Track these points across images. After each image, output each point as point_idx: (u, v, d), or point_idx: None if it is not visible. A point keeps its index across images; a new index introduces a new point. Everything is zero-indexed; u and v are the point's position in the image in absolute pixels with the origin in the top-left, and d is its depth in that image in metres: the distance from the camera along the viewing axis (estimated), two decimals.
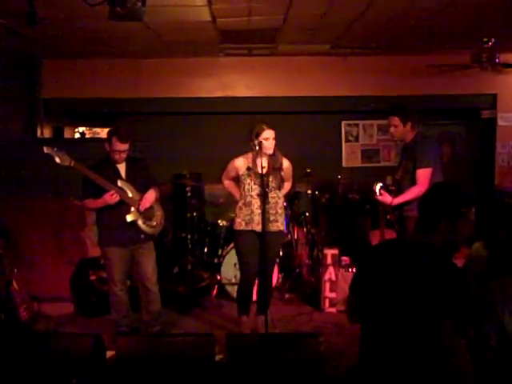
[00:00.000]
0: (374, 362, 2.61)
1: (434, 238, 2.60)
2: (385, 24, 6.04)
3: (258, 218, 4.83)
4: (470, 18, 5.79)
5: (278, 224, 4.95)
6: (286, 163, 5.01)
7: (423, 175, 4.81)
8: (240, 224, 4.92)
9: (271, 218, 4.84)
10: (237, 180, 5.08)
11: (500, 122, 8.23)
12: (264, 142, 4.77)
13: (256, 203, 4.84)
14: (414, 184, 4.86)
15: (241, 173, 4.94)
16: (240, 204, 4.96)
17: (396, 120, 5.01)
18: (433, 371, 2.47)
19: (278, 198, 4.95)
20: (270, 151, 4.81)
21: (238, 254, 5.08)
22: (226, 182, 5.18)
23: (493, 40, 6.37)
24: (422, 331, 2.48)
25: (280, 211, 4.97)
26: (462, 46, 7.05)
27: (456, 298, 2.45)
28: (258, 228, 4.82)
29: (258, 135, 4.79)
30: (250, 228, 4.87)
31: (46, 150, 4.57)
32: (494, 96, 8.19)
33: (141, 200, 4.88)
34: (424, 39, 6.85)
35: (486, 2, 5.19)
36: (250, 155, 4.91)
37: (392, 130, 5.10)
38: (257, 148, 4.77)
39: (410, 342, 2.51)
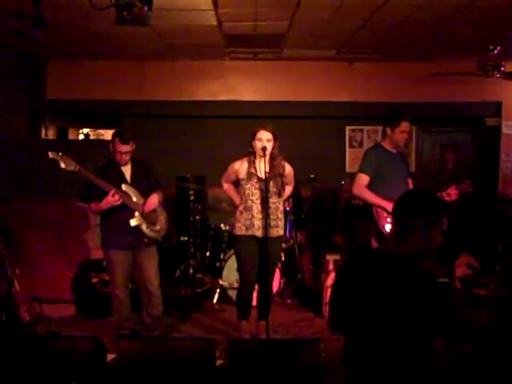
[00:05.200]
0: (358, 374, 2.60)
1: (407, 246, 2.56)
2: (390, 31, 6.04)
3: (258, 223, 4.80)
4: (475, 26, 5.79)
5: (278, 229, 4.92)
6: (287, 168, 4.99)
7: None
8: (240, 229, 4.88)
9: (272, 223, 4.80)
10: (236, 184, 5.05)
11: (504, 130, 8.22)
12: (257, 142, 4.77)
13: (257, 208, 4.81)
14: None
15: (241, 177, 4.90)
16: (240, 208, 4.92)
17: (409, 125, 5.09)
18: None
19: (278, 203, 4.93)
20: (260, 153, 4.74)
21: (237, 259, 5.04)
22: (226, 186, 5.13)
23: (498, 48, 6.37)
24: (404, 347, 2.46)
25: (280, 216, 4.95)
26: (467, 53, 7.05)
27: (435, 313, 2.42)
28: (259, 233, 4.79)
29: (253, 135, 4.79)
30: (250, 233, 4.83)
31: (51, 155, 4.57)
32: (499, 104, 8.17)
33: (144, 204, 4.88)
34: (429, 46, 6.85)
35: (491, 10, 5.19)
36: (249, 159, 4.88)
37: (407, 136, 5.15)
38: (250, 150, 4.81)
39: (390, 356, 2.48)
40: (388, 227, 4.88)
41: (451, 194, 4.92)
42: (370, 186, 5.06)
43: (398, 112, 5.26)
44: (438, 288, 2.53)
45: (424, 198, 2.63)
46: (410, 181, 5.31)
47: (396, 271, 2.53)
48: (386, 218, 4.89)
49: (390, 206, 4.87)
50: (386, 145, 5.19)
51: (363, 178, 5.07)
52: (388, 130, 5.14)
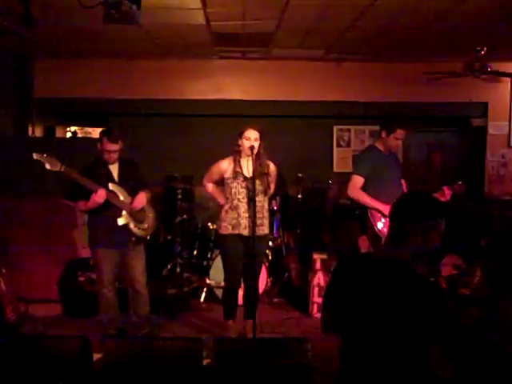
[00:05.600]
0: (354, 375, 2.59)
1: (405, 249, 2.51)
2: (378, 32, 6.07)
3: (244, 222, 4.80)
4: (462, 28, 5.83)
5: (264, 228, 4.93)
6: (271, 166, 5.00)
7: None
8: (226, 228, 4.87)
9: (258, 221, 4.79)
10: (220, 183, 5.03)
11: (490, 131, 8.28)
12: (244, 141, 4.76)
13: (243, 207, 4.81)
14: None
15: (227, 176, 4.88)
16: (226, 208, 4.90)
17: (404, 133, 5.13)
18: None
19: (264, 202, 4.93)
20: (248, 152, 4.73)
21: (223, 258, 5.05)
22: (210, 185, 5.07)
23: (485, 49, 6.42)
24: (402, 354, 2.43)
25: (266, 214, 4.96)
26: (454, 54, 7.10)
27: (436, 321, 2.37)
28: (245, 232, 4.80)
29: (240, 134, 4.79)
30: (236, 232, 4.82)
31: (35, 156, 4.52)
32: (485, 104, 8.24)
33: (131, 203, 4.87)
34: (416, 47, 6.89)
35: (479, 12, 5.23)
36: (234, 158, 4.88)
37: (400, 144, 5.18)
38: (236, 148, 4.81)
39: (387, 363, 2.45)
40: (380, 225, 4.91)
41: (446, 194, 4.97)
42: (364, 188, 5.06)
43: (395, 118, 5.30)
44: (441, 296, 2.46)
45: (424, 202, 2.57)
46: (403, 181, 5.35)
47: (393, 276, 2.48)
48: (381, 218, 4.92)
49: (386, 209, 4.85)
50: (380, 146, 5.20)
51: (358, 180, 5.06)
52: (383, 134, 5.16)
